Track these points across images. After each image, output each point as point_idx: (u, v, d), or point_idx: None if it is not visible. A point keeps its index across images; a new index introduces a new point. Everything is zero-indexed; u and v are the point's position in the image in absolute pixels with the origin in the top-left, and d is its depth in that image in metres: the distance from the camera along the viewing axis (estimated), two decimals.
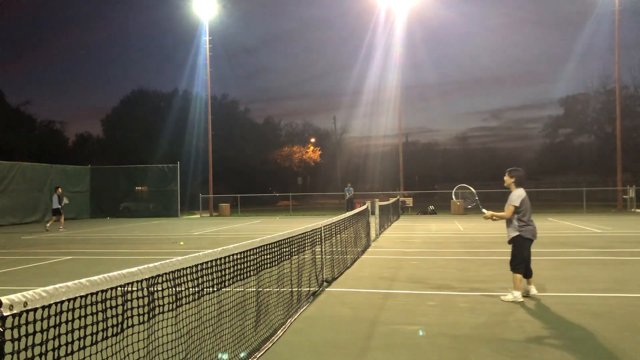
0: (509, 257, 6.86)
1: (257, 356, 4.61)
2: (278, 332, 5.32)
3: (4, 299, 2.01)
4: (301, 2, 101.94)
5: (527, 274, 6.82)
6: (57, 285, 2.31)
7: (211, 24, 34.86)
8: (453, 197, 8.24)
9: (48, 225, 20.82)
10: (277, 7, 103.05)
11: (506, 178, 6.94)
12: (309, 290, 7.07)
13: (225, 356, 4.21)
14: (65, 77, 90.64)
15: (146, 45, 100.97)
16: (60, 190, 21.11)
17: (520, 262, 6.70)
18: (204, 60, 34.83)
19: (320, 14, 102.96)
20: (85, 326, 2.50)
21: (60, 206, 20.60)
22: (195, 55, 36.77)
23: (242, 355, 4.47)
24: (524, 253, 6.73)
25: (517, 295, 6.66)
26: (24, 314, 2.12)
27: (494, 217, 6.94)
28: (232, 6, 54.04)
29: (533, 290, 6.88)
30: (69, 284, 2.38)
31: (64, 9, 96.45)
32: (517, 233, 6.71)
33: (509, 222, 6.80)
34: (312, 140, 61.52)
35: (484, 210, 7.16)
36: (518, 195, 6.70)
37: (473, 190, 8.01)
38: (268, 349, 4.84)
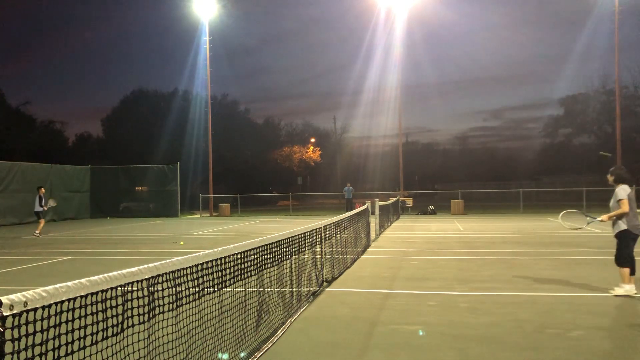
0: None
1: (257, 356, 4.61)
2: (278, 332, 5.32)
3: (4, 299, 2.01)
4: (301, 2, 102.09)
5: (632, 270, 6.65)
6: (57, 285, 2.31)
7: (211, 24, 34.84)
8: (562, 223, 8.54)
9: None
10: (277, 7, 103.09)
11: (608, 177, 7.03)
12: (309, 290, 7.07)
13: (225, 356, 4.21)
14: (65, 77, 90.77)
15: (146, 45, 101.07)
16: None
17: (626, 257, 6.62)
18: (204, 60, 34.81)
19: (320, 14, 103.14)
20: (86, 326, 2.50)
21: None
22: (195, 55, 36.80)
23: (242, 355, 4.47)
24: (629, 247, 6.61)
25: (628, 288, 6.58)
26: (24, 314, 2.12)
27: (612, 217, 6.83)
28: (232, 6, 53.91)
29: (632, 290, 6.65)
30: (69, 284, 2.38)
31: (64, 9, 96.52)
32: (625, 227, 6.64)
33: (619, 216, 6.71)
34: (312, 140, 61.48)
35: (599, 218, 7.09)
36: (623, 189, 6.74)
37: (577, 210, 8.29)
38: (268, 349, 4.84)
